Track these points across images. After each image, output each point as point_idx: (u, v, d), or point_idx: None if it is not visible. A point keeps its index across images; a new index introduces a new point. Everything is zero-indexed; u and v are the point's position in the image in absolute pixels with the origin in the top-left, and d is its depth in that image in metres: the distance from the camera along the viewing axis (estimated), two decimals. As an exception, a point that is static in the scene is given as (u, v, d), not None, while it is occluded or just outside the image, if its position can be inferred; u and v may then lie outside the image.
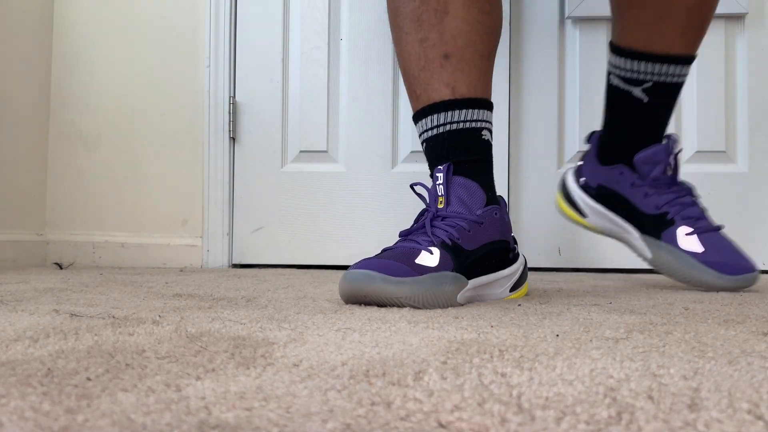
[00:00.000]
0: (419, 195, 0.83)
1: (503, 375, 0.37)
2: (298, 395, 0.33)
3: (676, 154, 0.99)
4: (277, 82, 1.54)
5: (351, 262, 0.94)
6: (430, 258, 0.73)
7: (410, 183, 0.85)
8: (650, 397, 0.32)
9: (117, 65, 1.58)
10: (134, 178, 1.58)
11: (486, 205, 0.81)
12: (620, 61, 0.97)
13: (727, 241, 0.95)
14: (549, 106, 1.48)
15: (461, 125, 0.83)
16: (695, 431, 0.27)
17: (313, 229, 1.52)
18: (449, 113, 0.83)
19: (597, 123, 1.08)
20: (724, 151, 1.45)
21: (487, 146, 0.86)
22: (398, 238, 0.80)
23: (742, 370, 0.39)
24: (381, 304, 0.70)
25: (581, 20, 1.48)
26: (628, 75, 0.96)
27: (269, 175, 1.54)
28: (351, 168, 1.52)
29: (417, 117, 0.87)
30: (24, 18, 1.52)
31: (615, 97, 1.00)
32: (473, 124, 0.84)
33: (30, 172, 1.55)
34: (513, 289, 0.85)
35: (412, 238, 0.77)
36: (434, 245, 0.75)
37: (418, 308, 0.69)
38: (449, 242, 0.76)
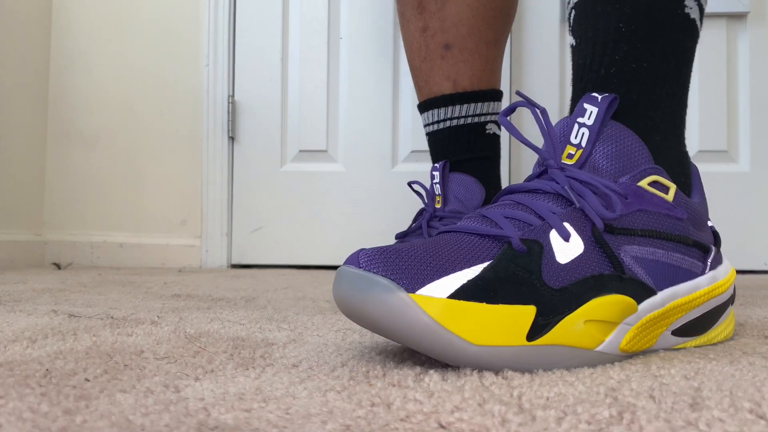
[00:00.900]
0: (417, 193, 0.83)
1: (504, 376, 0.36)
2: (297, 396, 0.33)
3: None
4: (276, 82, 1.54)
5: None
6: None
7: (408, 181, 0.85)
8: (651, 397, 0.32)
9: (115, 64, 1.58)
10: (133, 178, 1.57)
11: (485, 201, 0.80)
12: None
13: None
14: (549, 106, 1.48)
15: (462, 121, 0.81)
16: (697, 430, 0.27)
17: (313, 229, 1.52)
18: (450, 108, 0.81)
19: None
20: (725, 151, 1.45)
21: (493, 140, 0.82)
22: (395, 240, 0.79)
23: (744, 370, 0.39)
24: None
25: (581, 20, 1.48)
26: None
27: (268, 174, 1.54)
28: (351, 168, 1.52)
29: (420, 109, 0.85)
30: (22, 17, 1.52)
31: None
32: (476, 119, 0.81)
33: (28, 171, 1.55)
34: None
35: (409, 240, 0.77)
36: None
37: None
38: None
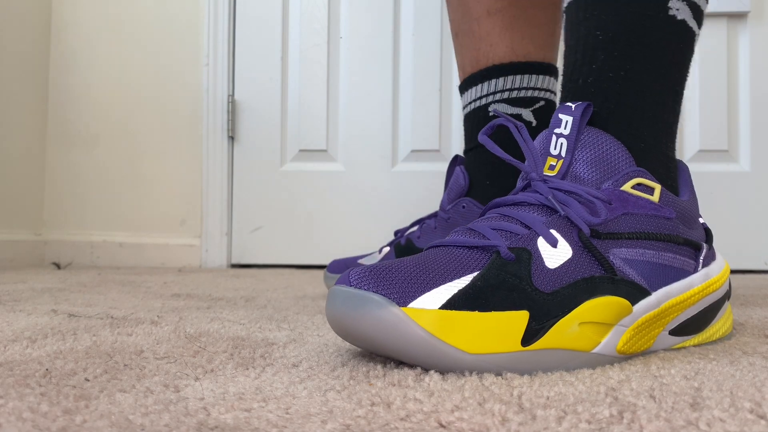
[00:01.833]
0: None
1: (504, 376, 0.36)
2: (297, 396, 0.33)
3: None
4: (276, 81, 1.54)
5: (350, 262, 0.94)
6: None
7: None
8: (652, 396, 0.32)
9: (115, 64, 1.58)
10: (132, 178, 1.57)
11: None
12: None
13: None
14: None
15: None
16: (698, 430, 0.27)
17: (313, 229, 1.52)
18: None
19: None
20: (726, 150, 1.45)
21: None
22: (393, 236, 0.77)
23: (744, 370, 0.39)
24: None
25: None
26: None
27: (268, 174, 1.54)
28: (350, 167, 1.52)
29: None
30: (22, 17, 1.52)
31: None
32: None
33: (28, 171, 1.55)
34: None
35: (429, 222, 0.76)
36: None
37: None
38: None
